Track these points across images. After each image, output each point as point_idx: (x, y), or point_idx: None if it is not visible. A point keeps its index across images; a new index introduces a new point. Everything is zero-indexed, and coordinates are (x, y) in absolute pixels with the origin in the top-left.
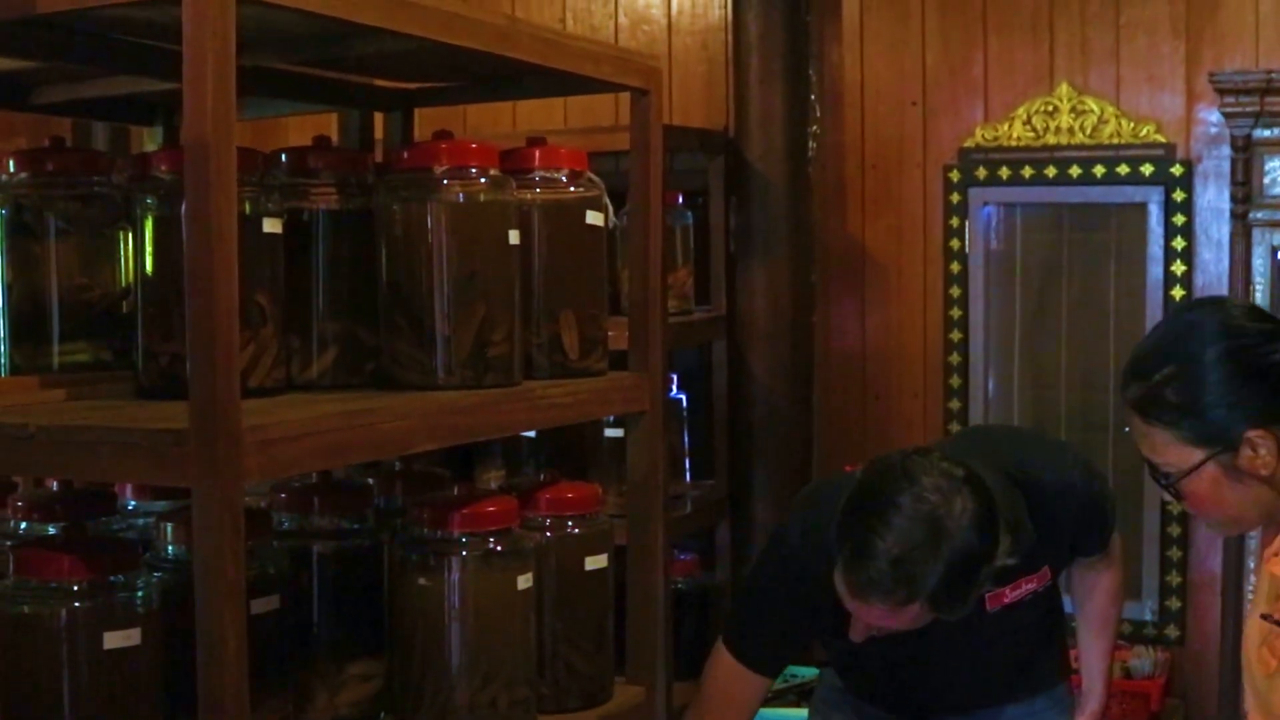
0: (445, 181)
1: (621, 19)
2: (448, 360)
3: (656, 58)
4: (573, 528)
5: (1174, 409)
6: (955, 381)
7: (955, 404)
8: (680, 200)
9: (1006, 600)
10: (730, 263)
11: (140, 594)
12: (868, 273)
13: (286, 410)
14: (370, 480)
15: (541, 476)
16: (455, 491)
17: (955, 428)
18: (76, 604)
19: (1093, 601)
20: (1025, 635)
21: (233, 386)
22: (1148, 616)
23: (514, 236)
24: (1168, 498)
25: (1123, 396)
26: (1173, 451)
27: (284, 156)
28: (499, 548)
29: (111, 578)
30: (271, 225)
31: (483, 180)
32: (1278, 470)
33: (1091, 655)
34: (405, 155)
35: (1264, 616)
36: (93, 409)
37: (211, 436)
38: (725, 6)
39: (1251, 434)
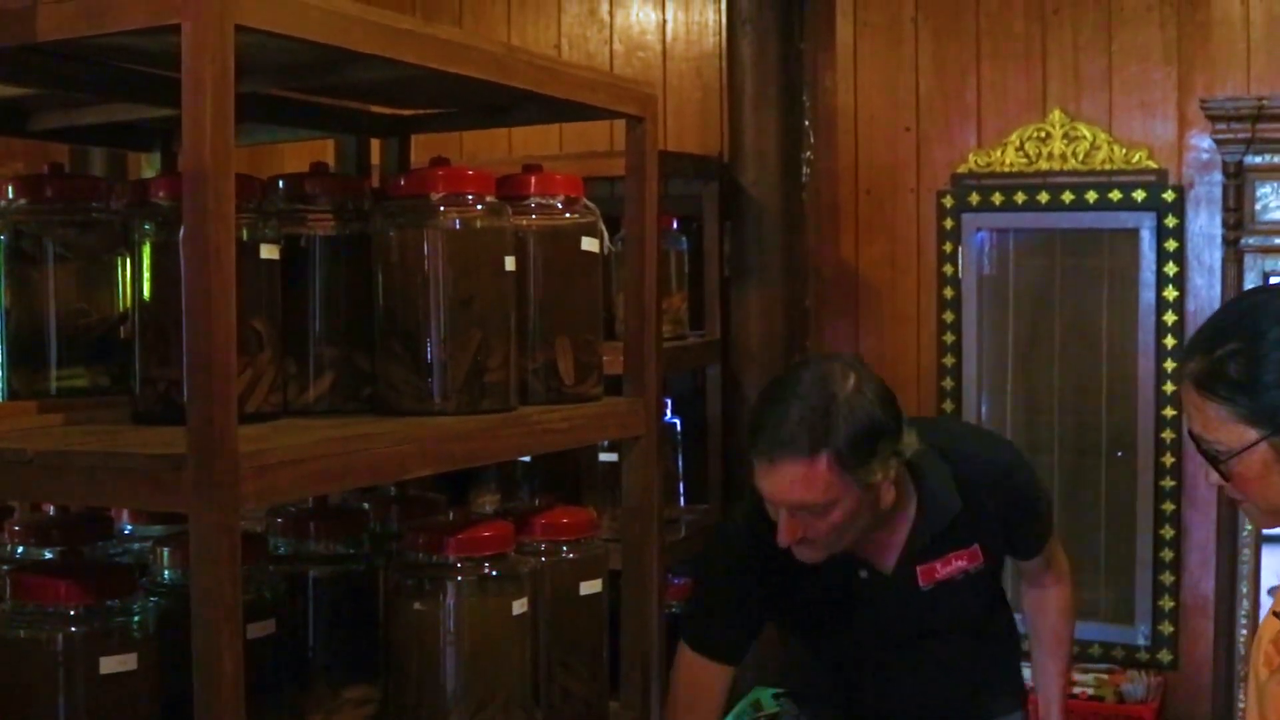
0: (442, 208)
1: (617, 45)
2: (444, 386)
3: (652, 85)
4: (568, 553)
5: (1233, 385)
6: (949, 406)
7: None
8: (675, 225)
9: (938, 576)
10: (724, 287)
11: (137, 619)
12: (861, 297)
13: (283, 436)
14: (366, 505)
15: (536, 501)
16: (450, 516)
17: None
18: (73, 628)
19: (1044, 619)
20: (972, 644)
21: (230, 412)
22: (1140, 641)
23: (510, 263)
24: (1215, 478)
25: (1182, 370)
26: (1226, 429)
27: (281, 183)
28: (494, 572)
29: (108, 602)
30: (269, 251)
31: (479, 207)
32: None
33: (1046, 676)
34: (402, 182)
35: (1277, 614)
36: (90, 434)
37: (209, 462)
38: (719, 33)
39: None
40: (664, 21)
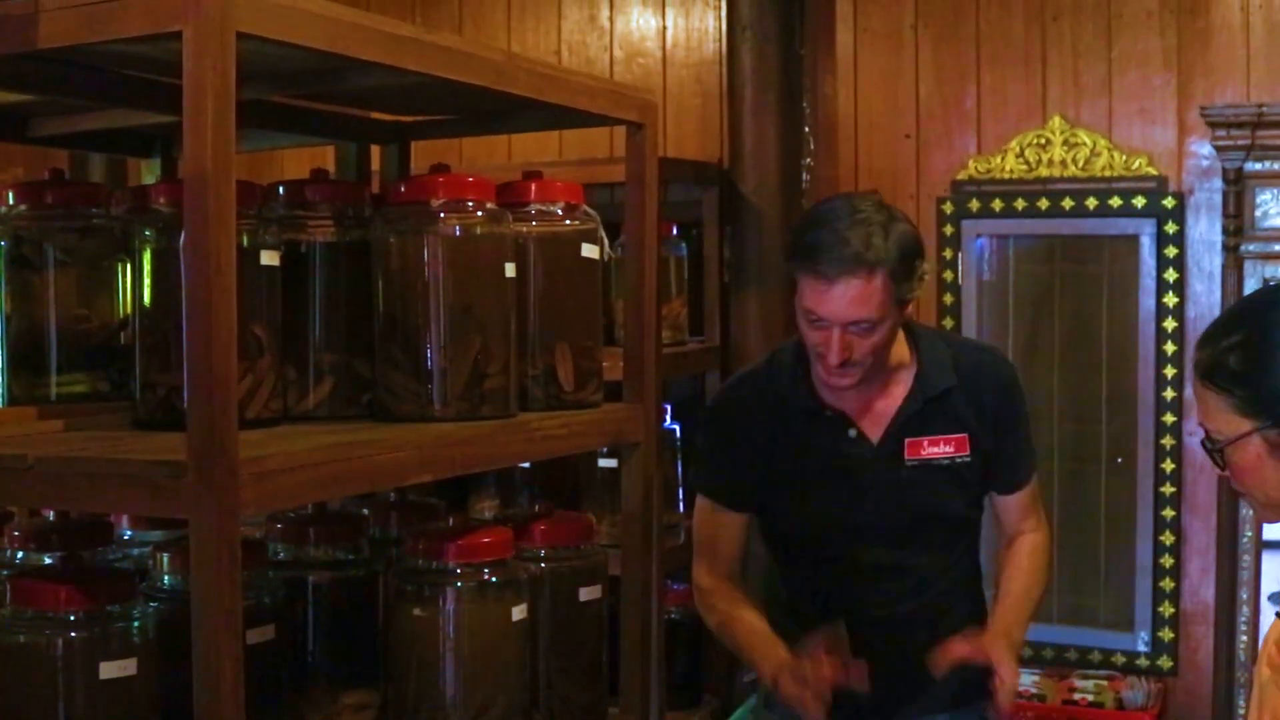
0: (442, 215)
1: (617, 51)
2: (444, 392)
3: (652, 92)
4: (567, 559)
5: (1232, 376)
6: None
7: None
8: (675, 231)
9: (923, 453)
10: (724, 293)
11: (136, 624)
12: None
13: (283, 442)
14: (365, 511)
15: (536, 508)
16: (450, 522)
17: None
18: (73, 634)
19: (1013, 564)
20: (940, 579)
21: (230, 419)
22: (1140, 647)
23: (510, 269)
24: (1217, 467)
25: (1193, 364)
26: (1223, 419)
27: (281, 189)
28: (494, 579)
29: (108, 608)
30: (269, 258)
31: (479, 213)
32: None
33: (996, 620)
34: (402, 188)
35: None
36: (90, 440)
37: (209, 469)
38: (719, 40)
39: None
40: (664, 28)
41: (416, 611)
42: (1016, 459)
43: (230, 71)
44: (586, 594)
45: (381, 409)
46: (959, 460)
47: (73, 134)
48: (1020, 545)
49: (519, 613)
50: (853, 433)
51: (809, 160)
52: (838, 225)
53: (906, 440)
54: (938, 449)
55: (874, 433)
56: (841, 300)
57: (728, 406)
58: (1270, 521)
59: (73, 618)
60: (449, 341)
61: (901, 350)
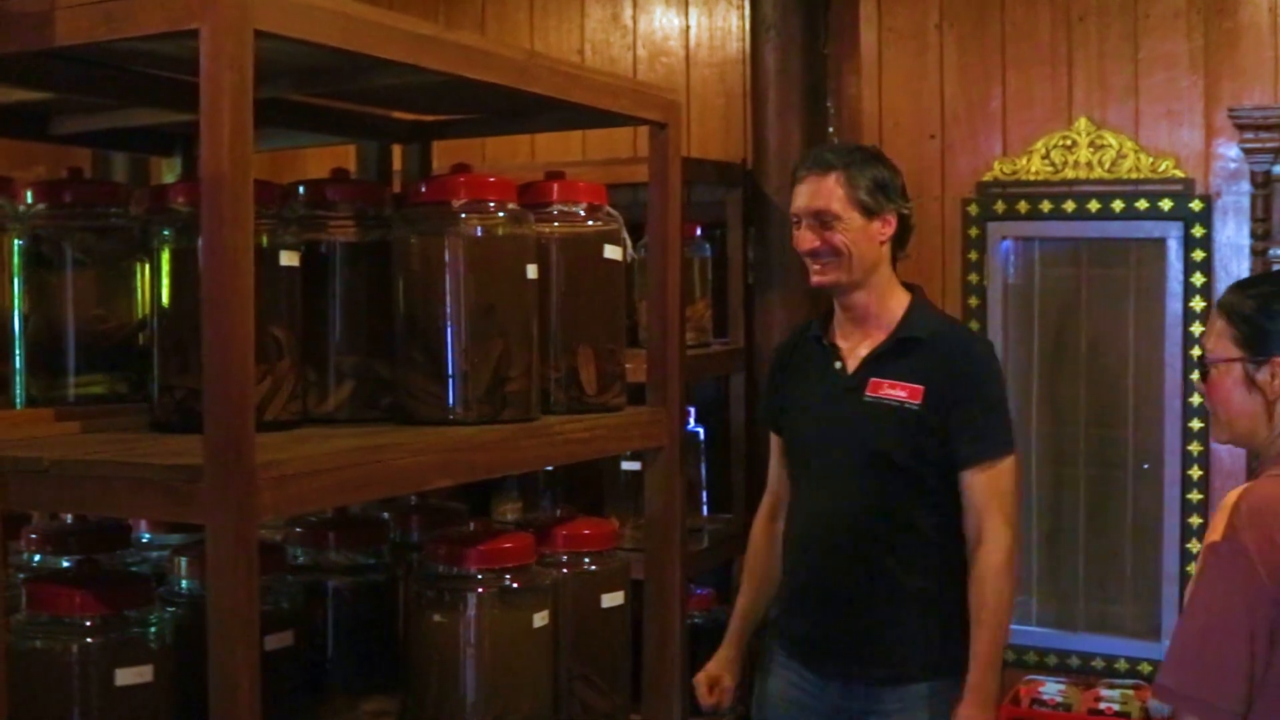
0: (463, 215)
1: (640, 51)
2: (465, 395)
3: (675, 91)
4: (589, 564)
5: (1242, 315)
6: None
7: None
8: (698, 232)
9: (881, 392)
10: (748, 295)
11: (153, 629)
12: None
13: (301, 446)
14: (385, 515)
15: (558, 512)
16: (471, 527)
17: None
18: (89, 640)
19: (974, 586)
20: (884, 508)
21: (248, 422)
22: None
23: (532, 270)
24: (1195, 378)
25: (1219, 300)
26: (1221, 342)
27: (301, 189)
28: (515, 585)
29: (124, 613)
30: (288, 258)
31: (501, 214)
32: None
33: (974, 643)
34: (423, 188)
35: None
36: (107, 442)
37: (226, 473)
38: (743, 39)
39: (1276, 358)
40: (687, 27)
41: (437, 618)
42: (974, 430)
43: (248, 70)
44: (609, 600)
45: (402, 412)
46: (908, 405)
47: (93, 133)
48: (981, 570)
49: (541, 619)
50: (838, 364)
51: None
52: (823, 144)
53: (871, 379)
54: (894, 392)
55: (851, 367)
56: (804, 194)
57: (779, 346)
58: (1219, 440)
59: (89, 623)
60: (470, 344)
61: (897, 305)
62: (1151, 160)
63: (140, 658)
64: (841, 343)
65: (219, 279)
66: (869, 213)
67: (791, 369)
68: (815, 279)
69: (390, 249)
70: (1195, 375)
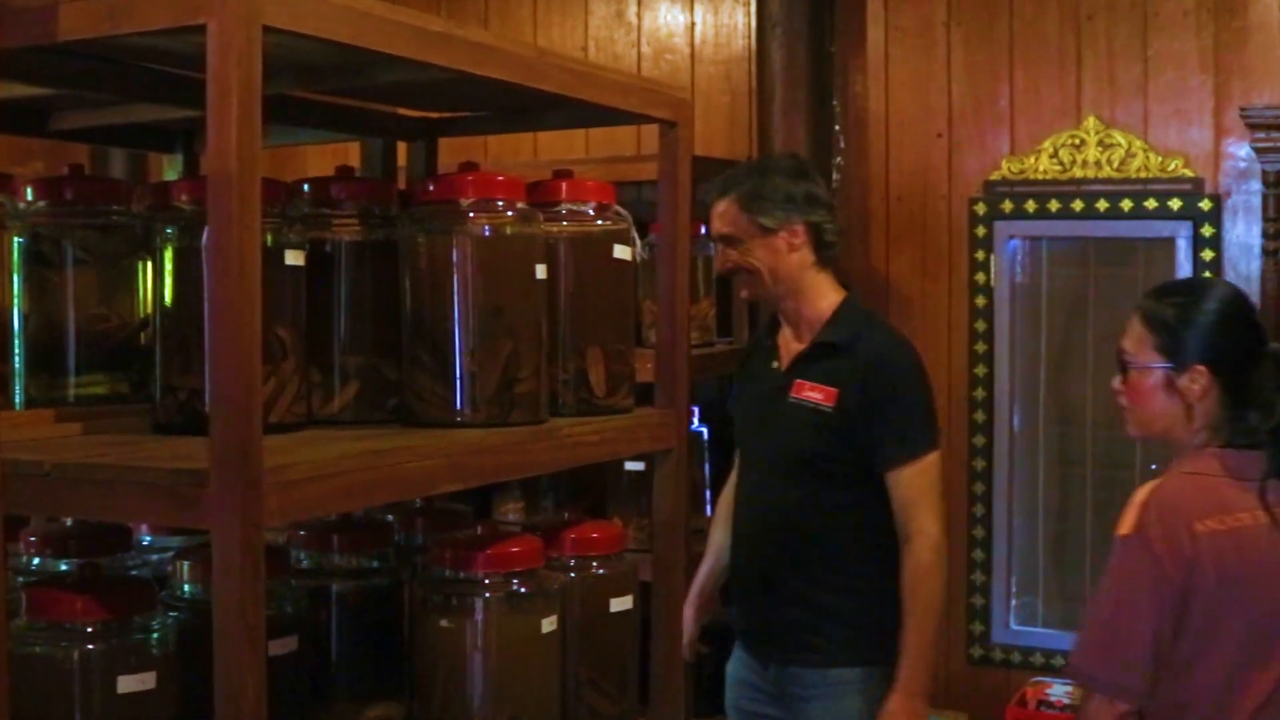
0: (471, 214)
1: (644, 48)
2: (473, 397)
3: (685, 89)
4: (597, 568)
5: (1163, 324)
6: (980, 417)
7: (979, 440)
8: (703, 231)
9: (802, 394)
10: None
11: (156, 635)
12: (891, 306)
13: (307, 450)
14: (390, 517)
15: (565, 515)
16: (478, 531)
17: (980, 464)
18: (90, 646)
19: (905, 596)
20: (798, 504)
21: (254, 426)
22: None
23: (541, 270)
24: (1117, 383)
25: (1138, 305)
26: (1143, 349)
27: (306, 187)
28: (523, 589)
29: (126, 619)
30: (293, 257)
31: (509, 213)
32: (1197, 405)
33: (905, 635)
34: (430, 187)
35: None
36: (109, 445)
37: (232, 478)
38: (749, 37)
39: (1198, 367)
40: (692, 24)
41: (443, 623)
42: (893, 433)
43: (256, 66)
44: (618, 605)
45: (408, 414)
46: (822, 408)
47: (93, 128)
48: (909, 567)
49: (549, 624)
50: (775, 364)
51: (839, 159)
52: (732, 169)
53: (796, 380)
54: (812, 394)
55: (784, 367)
56: (712, 218)
57: (750, 340)
58: (1131, 434)
59: (90, 629)
60: (478, 344)
61: (826, 308)
62: (1160, 159)
63: (143, 664)
64: (782, 343)
65: (224, 279)
66: (767, 231)
67: (748, 364)
68: (740, 293)
69: (396, 248)
70: (1115, 383)
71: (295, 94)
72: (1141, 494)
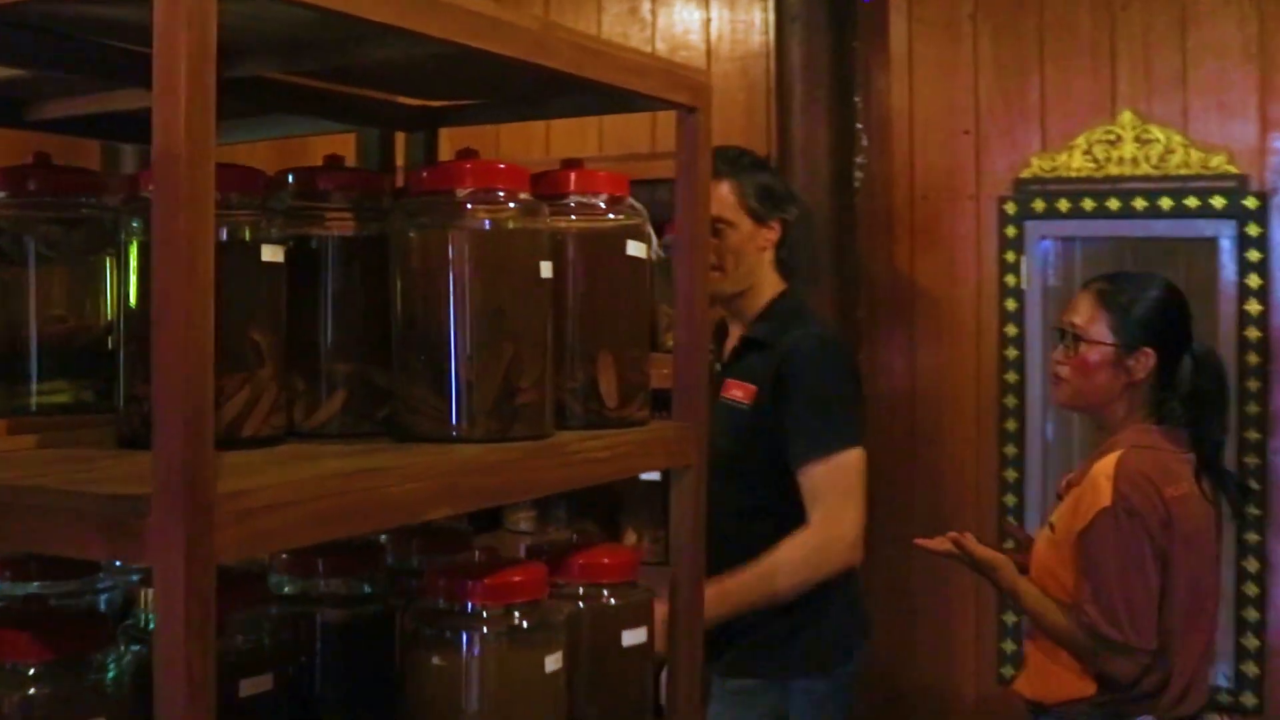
0: (469, 206)
1: (659, 44)
2: (470, 409)
3: (707, 72)
4: (609, 598)
5: (1120, 305)
6: (1011, 425)
7: (1011, 449)
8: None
9: (728, 394)
10: None
11: (111, 675)
12: (917, 309)
13: (275, 470)
14: (383, 537)
15: (573, 537)
16: (476, 556)
17: (1011, 475)
18: (33, 690)
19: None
20: (726, 507)
21: (205, 445)
22: (1221, 682)
23: (546, 269)
24: (1059, 355)
25: (1090, 285)
26: (1095, 326)
27: (291, 177)
28: (524, 623)
29: (77, 657)
30: (272, 253)
31: (511, 205)
32: (1141, 383)
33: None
34: (424, 176)
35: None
36: (57, 461)
37: (177, 506)
38: (767, 31)
39: (1146, 350)
40: (708, 19)
41: (435, 659)
42: (801, 428)
43: (209, 29)
44: (630, 637)
45: (399, 427)
46: (739, 406)
47: (71, 118)
48: (788, 540)
49: (553, 662)
50: (718, 365)
51: (861, 158)
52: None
53: (725, 378)
54: (735, 393)
55: (721, 364)
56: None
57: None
58: (1059, 402)
59: (32, 671)
60: (476, 351)
61: (772, 274)
62: (1202, 155)
63: (95, 708)
64: (728, 343)
65: (172, 275)
66: (758, 219)
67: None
68: (714, 286)
69: (388, 245)
70: (1065, 347)
71: (282, 79)
72: (1105, 467)
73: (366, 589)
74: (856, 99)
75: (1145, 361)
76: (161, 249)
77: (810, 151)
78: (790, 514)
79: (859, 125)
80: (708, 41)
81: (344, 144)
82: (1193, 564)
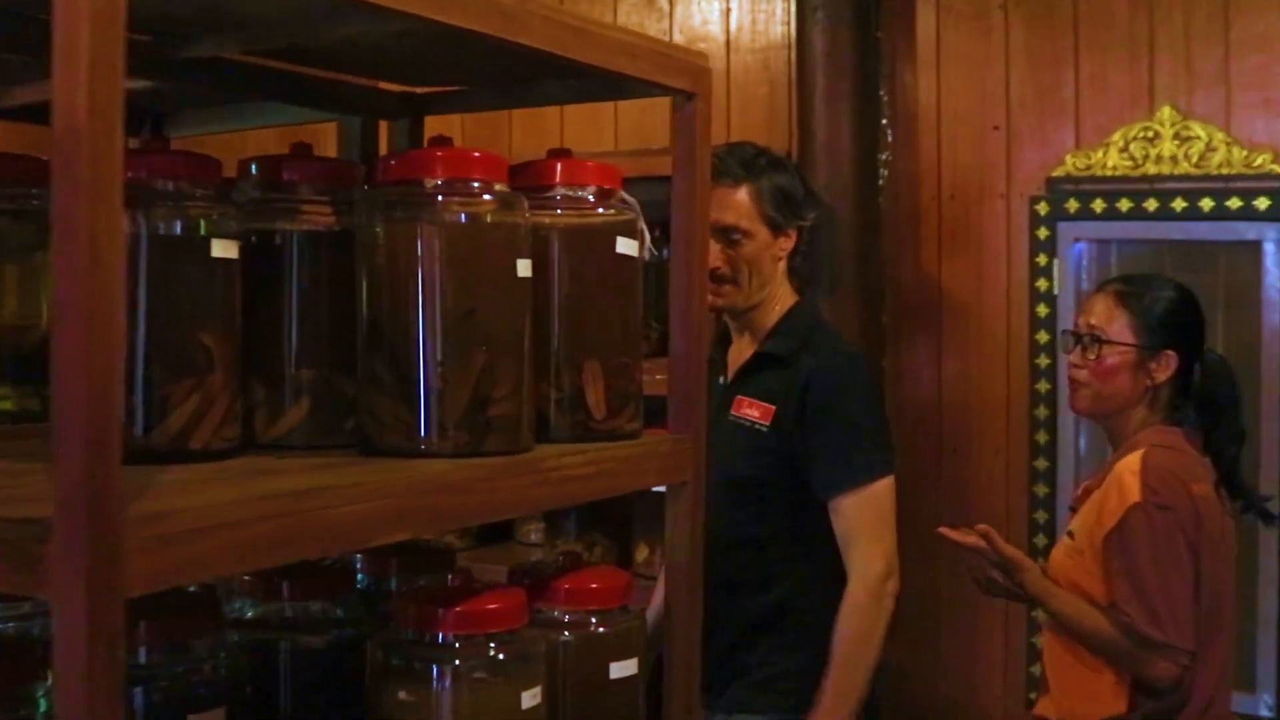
0: (440, 198)
1: (676, 35)
2: (439, 420)
3: (706, 55)
4: (596, 625)
5: (1143, 307)
6: (1042, 437)
7: (1042, 462)
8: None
9: (740, 411)
10: None
11: (41, 710)
12: (944, 315)
13: (210, 489)
14: (357, 555)
15: (582, 553)
16: (449, 580)
17: (1042, 489)
18: None
19: (834, 635)
20: (735, 532)
21: (110, 463)
22: (1264, 712)
23: (524, 266)
24: (1076, 358)
25: (1106, 287)
26: (1118, 327)
27: (254, 167)
28: (500, 655)
29: (6, 690)
30: (224, 248)
31: (487, 197)
32: (1162, 388)
33: (824, 680)
34: (392, 164)
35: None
36: None
37: (79, 531)
38: (788, 22)
39: (1168, 352)
40: (728, 9)
41: (402, 694)
42: (833, 456)
43: None
44: (619, 670)
45: (365, 439)
46: (758, 427)
47: (21, 107)
48: (844, 606)
49: (530, 697)
50: (722, 379)
51: (886, 154)
52: (729, 147)
53: (736, 395)
54: (750, 412)
55: (728, 380)
56: (712, 206)
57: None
58: (1079, 408)
59: None
60: (446, 357)
61: (776, 316)
62: (1245, 154)
63: None
64: (732, 355)
65: (74, 268)
66: (775, 227)
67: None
68: (711, 300)
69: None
70: (1073, 357)
71: (256, 62)
72: (1129, 464)
73: (340, 613)
74: (882, 93)
75: (1168, 364)
76: (61, 240)
77: (833, 148)
78: (804, 542)
79: (884, 120)
80: (727, 33)
81: (326, 134)
82: (1215, 568)
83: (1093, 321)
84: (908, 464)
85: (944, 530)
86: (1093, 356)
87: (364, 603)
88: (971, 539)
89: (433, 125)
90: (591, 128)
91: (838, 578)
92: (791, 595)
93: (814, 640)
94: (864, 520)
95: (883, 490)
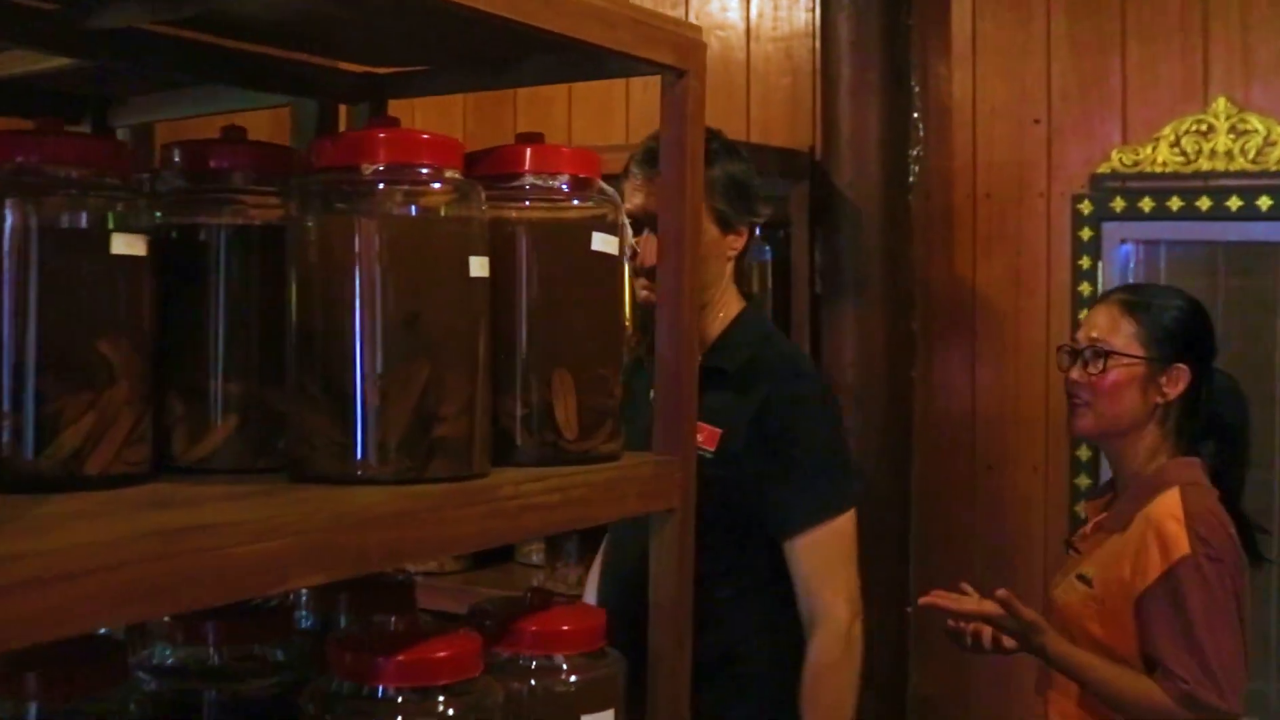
0: (381, 186)
1: (693, 22)
2: (378, 441)
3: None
4: (566, 674)
5: (1153, 318)
6: (1084, 453)
7: (1083, 479)
8: (757, 232)
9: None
10: (815, 306)
11: None
12: (979, 321)
13: (76, 527)
14: (303, 591)
15: (528, 595)
16: (392, 623)
17: (1081, 508)
18: None
19: (805, 681)
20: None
21: None
22: None
23: (477, 266)
24: (1077, 375)
25: (1108, 298)
26: (1124, 339)
27: (178, 153)
28: (450, 710)
29: None
30: (127, 244)
31: (436, 185)
32: (1172, 406)
33: None
34: (328, 148)
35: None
36: None
37: None
38: (813, 9)
39: (1180, 366)
40: None
41: None
42: (793, 490)
43: None
44: None
45: (295, 464)
46: (701, 453)
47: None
48: (811, 664)
49: None
50: (651, 393)
51: (917, 150)
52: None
53: None
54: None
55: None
56: (639, 194)
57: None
58: (1084, 429)
59: None
60: (385, 369)
61: (721, 324)
62: None
63: None
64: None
65: None
66: (726, 224)
67: (630, 392)
68: (646, 298)
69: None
70: (1074, 374)
71: (200, 39)
72: (1170, 509)
73: (279, 656)
74: (913, 84)
75: (1180, 378)
76: None
77: (859, 143)
78: (749, 579)
79: (915, 114)
80: (747, 20)
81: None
82: (1246, 614)
83: (1095, 334)
84: (939, 481)
85: (936, 601)
86: (1096, 372)
87: (306, 645)
88: (989, 606)
89: (425, 113)
90: (601, 118)
91: (788, 619)
92: (735, 640)
93: (761, 689)
94: (828, 560)
95: (845, 525)
